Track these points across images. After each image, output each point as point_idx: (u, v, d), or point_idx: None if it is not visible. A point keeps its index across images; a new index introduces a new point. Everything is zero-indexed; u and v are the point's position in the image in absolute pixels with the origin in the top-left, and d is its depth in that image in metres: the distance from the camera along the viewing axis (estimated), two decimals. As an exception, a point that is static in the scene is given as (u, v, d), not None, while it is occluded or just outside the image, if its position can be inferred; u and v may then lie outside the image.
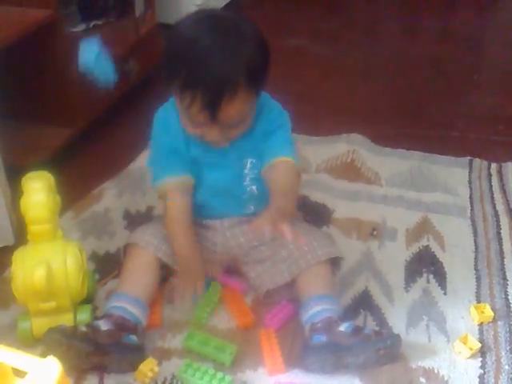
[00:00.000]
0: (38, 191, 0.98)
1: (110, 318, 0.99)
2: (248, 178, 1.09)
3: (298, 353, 1.01)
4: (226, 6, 2.47)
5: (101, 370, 0.97)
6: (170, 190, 1.06)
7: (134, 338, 0.99)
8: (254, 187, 1.10)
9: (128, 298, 1.02)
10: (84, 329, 0.97)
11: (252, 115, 1.02)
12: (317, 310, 1.01)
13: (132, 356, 0.97)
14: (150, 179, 1.11)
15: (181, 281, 1.04)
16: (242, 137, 1.03)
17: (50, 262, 0.98)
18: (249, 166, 1.08)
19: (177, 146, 1.06)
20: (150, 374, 0.96)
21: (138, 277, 1.06)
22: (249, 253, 1.13)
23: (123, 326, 0.98)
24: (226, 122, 0.97)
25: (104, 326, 0.98)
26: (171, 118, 1.05)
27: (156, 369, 0.97)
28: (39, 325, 0.99)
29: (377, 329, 1.05)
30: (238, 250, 1.13)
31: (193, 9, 2.29)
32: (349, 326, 0.99)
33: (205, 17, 0.98)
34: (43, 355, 0.80)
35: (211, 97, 0.92)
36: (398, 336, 1.00)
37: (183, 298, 1.03)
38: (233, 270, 1.16)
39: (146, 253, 1.07)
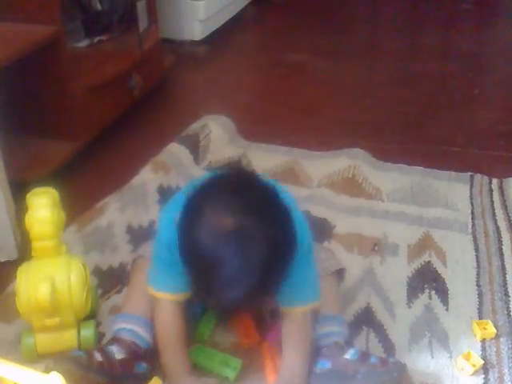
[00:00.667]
0: (43, 207, 0.98)
1: (123, 343, 0.97)
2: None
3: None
4: (230, 20, 2.49)
5: None
6: (162, 298, 0.99)
7: (144, 366, 0.98)
8: None
9: (139, 320, 1.00)
10: (100, 358, 0.94)
11: None
12: (322, 332, 1.01)
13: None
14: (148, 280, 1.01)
15: None
16: None
17: (54, 277, 0.98)
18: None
19: (178, 261, 0.93)
20: (157, 394, 0.96)
21: (147, 295, 1.00)
22: None
23: (136, 353, 0.97)
24: None
25: (118, 353, 0.96)
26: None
27: (162, 388, 0.96)
28: (43, 341, 1.00)
29: (383, 355, 1.04)
30: None
31: (196, 25, 2.34)
32: (355, 353, 0.98)
33: (226, 228, 0.83)
34: (46, 371, 0.80)
35: (226, 309, 0.95)
36: (404, 366, 0.98)
37: None
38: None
39: None
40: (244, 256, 0.82)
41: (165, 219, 0.98)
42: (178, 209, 0.90)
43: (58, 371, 0.87)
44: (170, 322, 0.98)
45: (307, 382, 0.97)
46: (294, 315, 0.99)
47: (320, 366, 0.98)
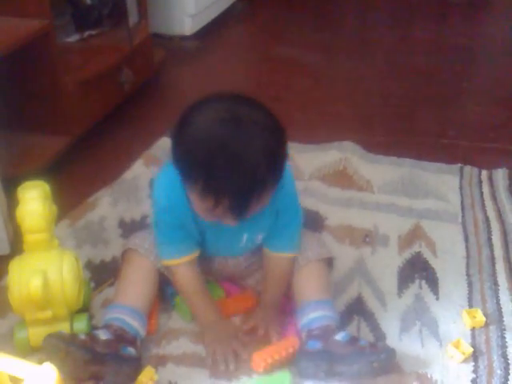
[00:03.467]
0: (34, 200, 0.98)
1: (110, 328, 0.99)
2: (255, 247, 1.11)
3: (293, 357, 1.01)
4: (220, 15, 2.49)
5: (98, 380, 0.97)
6: (177, 265, 1.05)
7: (131, 350, 0.99)
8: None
9: (127, 309, 1.02)
10: (83, 337, 0.97)
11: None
12: (314, 316, 1.02)
13: (129, 368, 0.97)
14: (158, 253, 1.06)
15: (214, 350, 1.01)
16: (255, 218, 0.96)
17: (46, 271, 0.98)
18: (259, 239, 1.08)
19: (182, 223, 1.01)
20: (150, 384, 0.96)
21: (138, 286, 1.05)
22: (246, 267, 1.15)
23: (122, 337, 0.99)
24: (252, 215, 0.93)
25: (103, 335, 0.98)
26: (175, 193, 0.97)
27: (155, 377, 0.97)
28: (36, 334, 1.00)
29: (372, 339, 1.06)
30: (236, 268, 1.14)
31: (186, 19, 2.33)
32: (345, 335, 1.00)
33: (221, 115, 0.88)
34: (40, 364, 0.81)
35: (240, 202, 0.88)
36: (392, 350, 1.00)
37: (225, 368, 1.00)
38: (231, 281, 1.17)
39: (145, 261, 1.07)
40: (244, 136, 0.86)
41: (159, 186, 1.04)
42: (170, 175, 0.96)
43: (45, 347, 0.94)
44: (189, 279, 1.05)
45: (278, 309, 1.09)
46: (280, 259, 1.08)
47: (310, 346, 0.99)
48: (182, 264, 1.04)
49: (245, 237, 1.06)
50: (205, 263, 1.12)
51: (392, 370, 1.00)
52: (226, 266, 1.13)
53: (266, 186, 0.90)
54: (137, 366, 0.98)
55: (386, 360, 0.98)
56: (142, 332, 1.03)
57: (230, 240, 1.06)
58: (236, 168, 0.86)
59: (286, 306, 1.11)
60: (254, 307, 1.10)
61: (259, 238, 1.08)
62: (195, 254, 1.05)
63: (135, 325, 1.01)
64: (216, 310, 1.06)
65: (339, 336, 0.99)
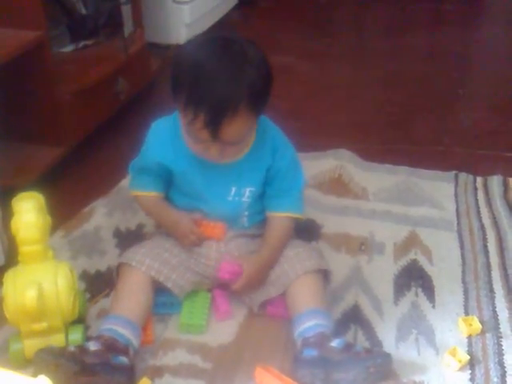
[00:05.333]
0: (29, 212, 0.98)
1: (100, 338, 0.99)
2: (246, 205, 1.13)
3: (289, 366, 1.01)
4: (215, 24, 2.50)
5: None
6: (141, 196, 1.18)
7: (123, 359, 0.98)
8: (248, 212, 1.14)
9: (119, 319, 1.02)
10: (72, 349, 0.97)
11: (251, 135, 1.07)
12: (309, 325, 1.03)
13: (121, 377, 0.96)
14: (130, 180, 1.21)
15: (183, 243, 1.13)
16: (242, 166, 1.08)
17: (41, 282, 0.98)
18: (248, 194, 1.12)
19: (159, 163, 1.10)
20: (146, 395, 0.96)
21: (130, 298, 1.06)
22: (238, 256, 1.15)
23: (113, 346, 0.98)
24: (227, 140, 1.00)
25: (93, 346, 0.98)
26: (165, 133, 1.10)
27: (152, 388, 0.97)
28: (31, 346, 0.99)
29: (368, 346, 1.06)
30: (230, 256, 1.14)
31: (181, 28, 2.34)
32: (340, 342, 1.00)
33: (215, 38, 1.02)
34: (35, 376, 0.80)
35: (213, 115, 0.95)
36: (388, 355, 1.00)
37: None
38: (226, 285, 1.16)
39: (137, 273, 1.08)
40: (230, 55, 0.98)
41: (153, 130, 1.13)
42: (167, 122, 1.10)
43: (35, 362, 0.94)
44: (151, 199, 1.16)
45: (270, 268, 1.12)
46: (280, 219, 1.14)
47: (306, 353, 1.00)
48: (144, 196, 1.16)
49: (233, 190, 1.11)
50: (202, 262, 1.14)
51: (388, 378, 1.00)
52: (221, 259, 1.13)
53: (238, 112, 0.96)
54: (130, 374, 0.98)
55: (382, 364, 0.98)
56: (136, 341, 1.02)
57: (218, 190, 1.11)
58: (215, 85, 0.95)
59: (283, 312, 1.11)
60: (219, 238, 1.14)
61: (247, 192, 1.11)
62: (158, 194, 1.15)
63: (127, 334, 1.01)
64: (172, 212, 1.15)
65: (335, 343, 1.00)
